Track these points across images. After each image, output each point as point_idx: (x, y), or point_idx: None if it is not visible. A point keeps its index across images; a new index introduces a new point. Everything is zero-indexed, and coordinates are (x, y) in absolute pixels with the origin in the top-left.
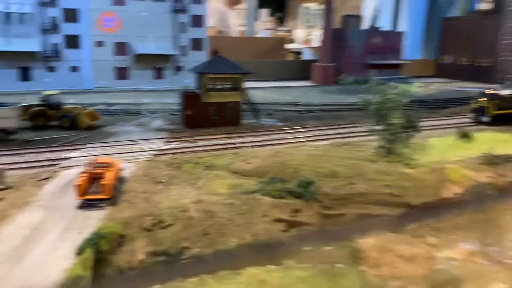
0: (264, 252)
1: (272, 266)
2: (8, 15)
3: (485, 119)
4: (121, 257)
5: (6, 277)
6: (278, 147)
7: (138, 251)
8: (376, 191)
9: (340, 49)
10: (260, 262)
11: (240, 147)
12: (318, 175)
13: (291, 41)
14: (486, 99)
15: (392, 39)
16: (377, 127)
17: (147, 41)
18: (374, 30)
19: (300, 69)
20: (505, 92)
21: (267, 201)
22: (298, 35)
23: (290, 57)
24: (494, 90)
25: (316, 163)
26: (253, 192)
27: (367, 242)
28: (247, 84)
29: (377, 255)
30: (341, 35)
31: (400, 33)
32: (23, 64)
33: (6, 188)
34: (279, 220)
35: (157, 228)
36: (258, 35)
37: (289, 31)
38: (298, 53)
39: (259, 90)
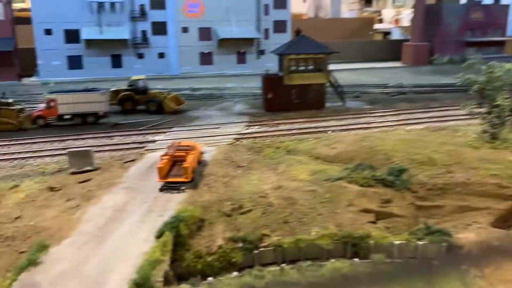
0: (349, 244)
1: (358, 260)
2: (101, 4)
3: None
4: (200, 242)
5: (89, 257)
6: (365, 131)
7: (217, 236)
8: (480, 181)
9: (433, 27)
10: (344, 254)
11: (324, 131)
12: (411, 162)
13: (379, 21)
14: None
15: (495, 14)
16: (480, 110)
17: (230, 25)
18: (474, 4)
19: (389, 50)
20: None
21: (353, 189)
22: (386, 15)
23: (378, 38)
24: None
25: (409, 149)
26: (338, 179)
27: (468, 238)
28: (332, 66)
29: (479, 253)
30: (435, 12)
31: (505, 7)
32: (115, 51)
33: (95, 169)
34: (367, 211)
35: (236, 213)
36: (344, 16)
37: (377, 11)
38: (386, 33)
39: (345, 72)
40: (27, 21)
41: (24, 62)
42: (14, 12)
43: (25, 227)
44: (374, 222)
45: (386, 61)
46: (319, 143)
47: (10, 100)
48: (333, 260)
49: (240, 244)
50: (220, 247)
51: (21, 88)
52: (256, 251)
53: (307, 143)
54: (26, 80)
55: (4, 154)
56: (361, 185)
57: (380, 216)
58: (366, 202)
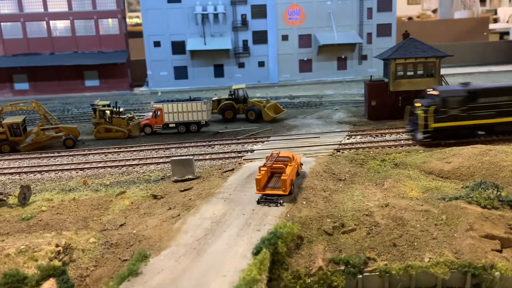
0: (469, 274)
1: None
2: (205, 16)
3: (419, 136)
4: (299, 261)
5: (186, 270)
6: (487, 144)
7: (317, 256)
8: None
9: None
10: (463, 286)
11: (438, 143)
12: None
13: (495, 20)
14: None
15: None
16: None
17: (331, 31)
18: None
19: (507, 51)
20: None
21: (474, 211)
22: (503, 14)
23: (494, 39)
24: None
25: None
26: (455, 198)
27: None
28: (444, 70)
29: None
30: None
31: None
32: (217, 61)
33: (196, 178)
34: (491, 237)
35: (337, 232)
36: (454, 17)
37: (491, 10)
38: (503, 33)
39: (458, 76)
40: (139, 34)
41: (135, 73)
42: (127, 27)
43: (128, 235)
44: (499, 251)
45: (504, 64)
46: (432, 156)
47: (121, 109)
48: None
49: (342, 267)
50: (320, 268)
51: (132, 98)
52: (359, 276)
53: (417, 155)
54: (137, 90)
55: (114, 161)
56: (484, 207)
57: (507, 244)
58: (489, 226)
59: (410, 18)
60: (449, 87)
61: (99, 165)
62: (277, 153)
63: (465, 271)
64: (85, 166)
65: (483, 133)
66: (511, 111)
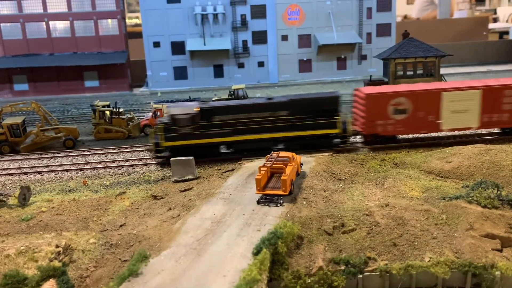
0: (469, 274)
1: None
2: (205, 16)
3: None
4: (299, 261)
5: (187, 271)
6: (487, 143)
7: (317, 256)
8: None
9: None
10: (463, 285)
11: (437, 143)
12: None
13: (494, 20)
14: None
15: None
16: None
17: (331, 31)
18: None
19: (507, 51)
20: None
21: (474, 211)
22: (502, 13)
23: (494, 38)
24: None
25: None
26: (455, 198)
27: None
28: (443, 69)
29: None
30: None
31: None
32: (217, 62)
33: (196, 178)
34: (491, 236)
35: (338, 232)
36: (453, 17)
37: (491, 10)
38: (504, 33)
39: (458, 76)
40: (138, 35)
41: (135, 74)
42: (127, 28)
43: (128, 236)
44: (500, 250)
45: (504, 63)
46: (432, 155)
47: (121, 110)
48: None
49: (343, 267)
50: (320, 268)
51: (132, 98)
52: (360, 276)
53: (417, 155)
54: (136, 90)
55: (114, 161)
56: (484, 206)
57: (507, 243)
58: (490, 226)
59: (405, 17)
60: (182, 105)
61: (99, 165)
62: (277, 153)
63: (466, 271)
64: (85, 167)
65: (230, 151)
66: (248, 129)
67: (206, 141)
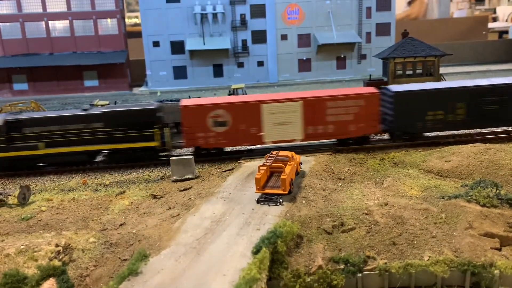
0: (468, 273)
1: None
2: (204, 16)
3: None
4: (298, 260)
5: (186, 270)
6: (486, 142)
7: (316, 255)
8: None
9: None
10: (462, 284)
11: (438, 142)
12: None
13: (494, 19)
14: None
15: None
16: None
17: (330, 30)
18: None
19: (506, 50)
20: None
21: (473, 210)
22: (502, 13)
23: (493, 38)
24: None
25: None
26: (454, 197)
27: None
28: (443, 69)
29: None
30: None
31: None
32: (216, 61)
33: (195, 178)
34: (490, 235)
35: (337, 231)
36: (453, 16)
37: (490, 9)
38: (503, 32)
39: (457, 75)
40: (138, 34)
41: (134, 73)
42: (126, 27)
43: (128, 235)
44: (498, 249)
45: (503, 63)
46: (431, 155)
47: None
48: None
49: (342, 266)
50: (320, 267)
51: (132, 97)
52: (359, 275)
53: (416, 154)
54: (136, 90)
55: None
56: (483, 205)
57: (506, 242)
58: (489, 225)
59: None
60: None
61: (99, 165)
62: (276, 152)
63: (465, 270)
64: (84, 166)
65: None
66: (62, 142)
67: (14, 154)
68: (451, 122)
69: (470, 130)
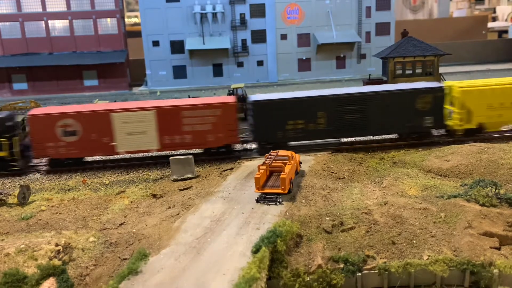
0: (467, 272)
1: None
2: (204, 15)
3: None
4: (298, 259)
5: (186, 269)
6: (485, 142)
7: (316, 254)
8: None
9: None
10: (462, 283)
11: (438, 142)
12: None
13: (493, 19)
14: None
15: None
16: None
17: (330, 30)
18: None
19: (506, 50)
20: None
21: (472, 209)
22: (501, 12)
23: (493, 37)
24: None
25: None
26: (454, 196)
27: None
28: (442, 68)
29: None
30: None
31: None
32: (216, 61)
33: (195, 177)
34: (489, 234)
35: (337, 230)
36: (452, 16)
37: (490, 9)
38: (503, 32)
39: (457, 75)
40: (138, 34)
41: (134, 73)
42: (126, 27)
43: (127, 234)
44: (498, 248)
45: (503, 62)
46: (430, 154)
47: None
48: None
49: (342, 265)
50: (319, 266)
51: (132, 97)
52: (359, 274)
53: (415, 154)
54: (135, 89)
55: (113, 160)
56: (482, 205)
57: (505, 241)
58: (488, 224)
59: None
60: None
61: (99, 164)
62: (276, 152)
63: (464, 269)
64: (84, 166)
65: None
66: None
67: None
68: (312, 131)
69: None
